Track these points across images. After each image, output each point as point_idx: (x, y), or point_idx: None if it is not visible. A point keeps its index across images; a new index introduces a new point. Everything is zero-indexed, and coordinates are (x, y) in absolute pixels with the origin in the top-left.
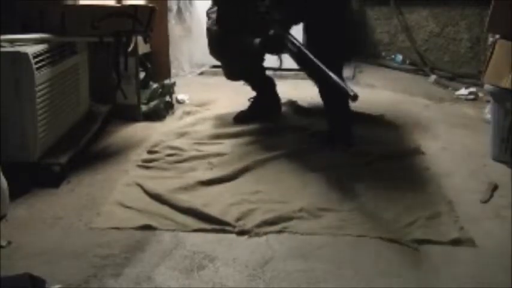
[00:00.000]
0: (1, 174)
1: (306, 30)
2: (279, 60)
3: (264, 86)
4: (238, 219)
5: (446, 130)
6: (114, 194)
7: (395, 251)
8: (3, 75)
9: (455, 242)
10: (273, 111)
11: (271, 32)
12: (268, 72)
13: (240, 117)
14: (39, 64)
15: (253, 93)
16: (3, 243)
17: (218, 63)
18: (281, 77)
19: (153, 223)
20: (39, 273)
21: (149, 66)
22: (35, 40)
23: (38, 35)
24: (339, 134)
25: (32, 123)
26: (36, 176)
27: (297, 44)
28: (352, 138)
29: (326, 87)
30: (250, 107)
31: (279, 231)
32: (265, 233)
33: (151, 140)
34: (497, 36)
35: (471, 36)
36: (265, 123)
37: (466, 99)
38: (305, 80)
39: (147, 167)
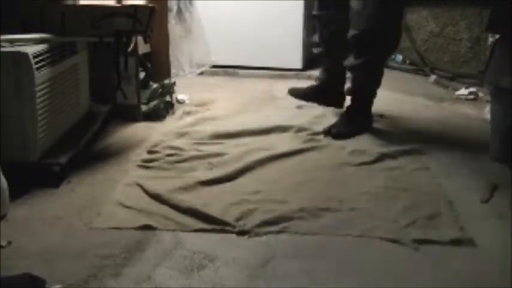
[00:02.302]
0: (1, 174)
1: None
2: None
3: (332, 74)
4: (238, 219)
5: (446, 130)
6: (114, 194)
7: (395, 251)
8: (3, 75)
9: (455, 242)
10: (330, 102)
11: None
12: (267, 72)
13: (295, 92)
14: (39, 64)
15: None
16: (3, 243)
17: (218, 63)
18: (282, 76)
19: (153, 223)
20: (39, 273)
21: (149, 66)
22: (35, 40)
23: (38, 35)
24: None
25: (32, 123)
26: (36, 176)
27: None
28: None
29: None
30: (311, 88)
31: (279, 231)
32: (265, 233)
33: (151, 140)
34: (497, 36)
35: (471, 36)
36: (265, 123)
37: (466, 99)
38: (305, 80)
39: (147, 167)
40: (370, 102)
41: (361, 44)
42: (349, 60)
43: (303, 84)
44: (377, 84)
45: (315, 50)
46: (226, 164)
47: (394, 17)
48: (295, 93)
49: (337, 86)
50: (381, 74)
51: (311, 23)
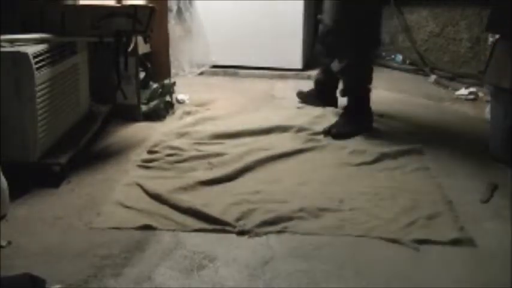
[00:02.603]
0: (1, 174)
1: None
2: None
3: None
4: (238, 219)
5: (446, 130)
6: (114, 194)
7: (395, 251)
8: (3, 75)
9: (455, 242)
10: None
11: None
12: (267, 72)
13: (302, 96)
14: (39, 64)
15: None
16: (3, 243)
17: (218, 63)
18: (282, 76)
19: (153, 223)
20: (39, 273)
21: (149, 66)
22: (35, 40)
23: (38, 35)
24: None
25: (32, 123)
26: (36, 176)
27: None
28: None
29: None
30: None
31: (279, 231)
32: (265, 233)
33: (152, 140)
34: (497, 36)
35: (471, 36)
36: (265, 123)
37: (466, 99)
38: (305, 80)
39: (147, 167)
40: (367, 100)
41: (326, 43)
42: (335, 64)
43: (304, 84)
44: (367, 82)
45: (317, 51)
46: (226, 164)
47: (360, 18)
48: (302, 96)
49: (335, 86)
50: (370, 72)
51: (311, 23)
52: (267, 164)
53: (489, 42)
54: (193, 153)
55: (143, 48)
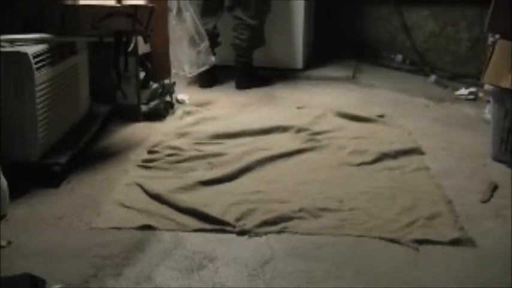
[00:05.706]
0: (1, 174)
1: None
2: None
3: None
4: (238, 219)
5: (446, 130)
6: (114, 194)
7: (395, 251)
8: (3, 75)
9: (455, 242)
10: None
11: None
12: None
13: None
14: (39, 64)
15: None
16: (3, 243)
17: (218, 63)
18: (282, 76)
19: (153, 223)
20: (39, 273)
21: (149, 66)
22: (35, 40)
23: (38, 35)
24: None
25: (32, 123)
26: (36, 176)
27: None
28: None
29: None
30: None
31: (279, 231)
32: (265, 233)
33: (151, 140)
34: (497, 36)
35: (471, 36)
36: (265, 123)
37: (466, 99)
38: (305, 79)
39: (147, 167)
40: None
41: None
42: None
43: (305, 85)
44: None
45: None
46: (226, 164)
47: None
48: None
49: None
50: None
51: (311, 23)
52: (266, 164)
53: (489, 42)
54: (193, 153)
55: (143, 48)
